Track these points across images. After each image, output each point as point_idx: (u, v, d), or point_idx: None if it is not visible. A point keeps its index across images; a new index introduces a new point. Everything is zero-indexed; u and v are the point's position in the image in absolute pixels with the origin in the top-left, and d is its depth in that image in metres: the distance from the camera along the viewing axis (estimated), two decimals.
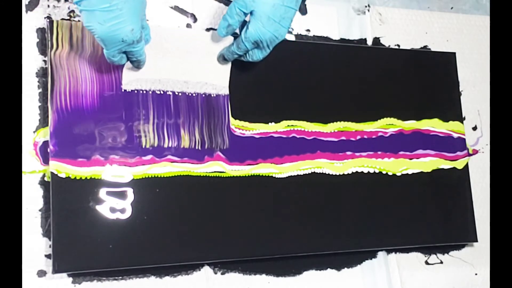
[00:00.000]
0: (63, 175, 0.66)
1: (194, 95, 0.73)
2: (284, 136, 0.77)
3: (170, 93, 0.72)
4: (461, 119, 0.89)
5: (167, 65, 0.72)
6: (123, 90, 0.70)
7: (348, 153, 0.80)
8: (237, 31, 0.72)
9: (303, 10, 0.84)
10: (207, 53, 0.74)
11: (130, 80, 0.70)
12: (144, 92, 0.70)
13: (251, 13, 0.68)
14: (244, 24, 0.70)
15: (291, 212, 0.75)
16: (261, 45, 0.70)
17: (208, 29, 0.78)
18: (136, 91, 0.70)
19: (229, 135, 0.74)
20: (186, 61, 0.73)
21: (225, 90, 0.75)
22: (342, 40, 0.86)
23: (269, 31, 0.68)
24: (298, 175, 0.77)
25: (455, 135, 0.87)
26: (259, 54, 0.72)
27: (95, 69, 0.69)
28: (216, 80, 0.74)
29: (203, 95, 0.73)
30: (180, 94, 0.72)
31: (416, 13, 0.91)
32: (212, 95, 0.74)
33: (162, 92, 0.71)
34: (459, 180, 0.86)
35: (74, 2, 0.59)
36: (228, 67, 0.75)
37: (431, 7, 0.94)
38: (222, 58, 0.74)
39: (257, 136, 0.76)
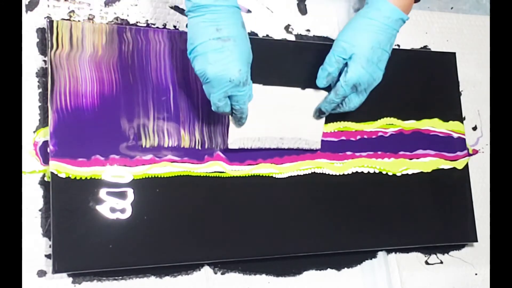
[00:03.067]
0: (63, 175, 0.66)
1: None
2: None
3: (171, 92, 0.72)
4: (461, 119, 0.89)
5: (265, 123, 0.73)
6: (229, 148, 0.72)
7: (348, 153, 0.80)
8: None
9: (303, 10, 0.84)
10: (302, 109, 0.75)
11: (235, 140, 0.72)
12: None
13: (349, 58, 0.71)
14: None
15: (291, 212, 0.75)
16: (359, 88, 0.72)
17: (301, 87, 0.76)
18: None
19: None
20: (283, 118, 0.74)
21: (317, 145, 0.77)
22: None
23: (368, 72, 0.71)
24: (298, 175, 0.77)
25: (455, 135, 0.87)
26: (356, 99, 0.74)
27: (95, 69, 0.69)
28: (309, 136, 0.76)
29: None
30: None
31: (416, 13, 0.91)
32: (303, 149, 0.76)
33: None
34: (459, 180, 0.86)
35: (188, 53, 0.64)
36: (322, 122, 0.76)
37: (431, 7, 0.94)
38: (318, 113, 0.75)
39: None
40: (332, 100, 0.73)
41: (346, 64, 0.72)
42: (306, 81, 0.79)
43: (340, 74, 0.73)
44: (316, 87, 0.74)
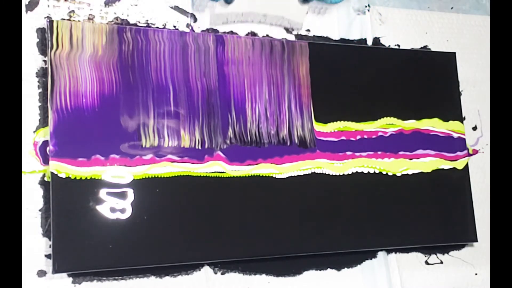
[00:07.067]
0: (63, 175, 0.66)
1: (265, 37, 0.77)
2: None
3: (171, 92, 0.72)
4: (461, 119, 0.89)
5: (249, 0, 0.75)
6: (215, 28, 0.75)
7: (348, 153, 0.80)
8: None
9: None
10: None
11: (218, 15, 0.75)
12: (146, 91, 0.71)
13: None
14: None
15: (291, 212, 0.75)
16: None
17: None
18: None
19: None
20: None
21: (299, 28, 0.79)
22: (342, 40, 0.86)
23: None
24: (298, 175, 0.77)
25: (455, 135, 0.87)
26: None
27: (95, 69, 0.69)
28: (293, 17, 0.78)
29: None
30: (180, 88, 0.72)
31: (416, 13, 0.91)
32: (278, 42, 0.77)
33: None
34: (459, 180, 0.86)
35: None
36: (305, 9, 0.78)
37: (431, 7, 0.94)
38: None
39: None
40: None
41: None
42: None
43: None
44: None
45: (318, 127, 0.79)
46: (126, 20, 0.74)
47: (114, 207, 0.67)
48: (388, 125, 0.83)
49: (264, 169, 0.75)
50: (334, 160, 0.79)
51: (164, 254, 0.69)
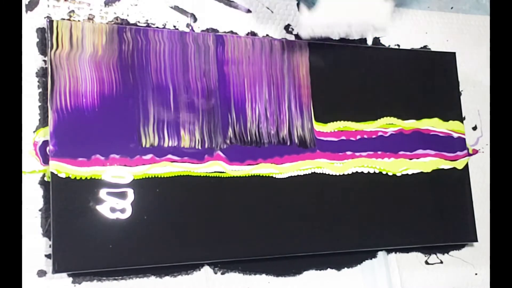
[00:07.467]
0: (63, 175, 0.66)
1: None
2: None
3: (171, 92, 0.72)
4: (461, 119, 0.89)
5: (333, 8, 0.74)
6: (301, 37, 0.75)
7: (348, 153, 0.80)
8: None
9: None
10: None
11: (304, 26, 0.74)
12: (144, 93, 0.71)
13: None
14: None
15: (291, 212, 0.75)
16: None
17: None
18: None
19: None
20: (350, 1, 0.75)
21: (384, 31, 0.79)
22: (342, 40, 0.85)
23: None
24: (298, 175, 0.77)
25: (455, 135, 0.87)
26: None
27: (95, 69, 0.69)
28: (377, 20, 0.76)
29: None
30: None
31: (416, 13, 0.91)
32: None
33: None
34: (459, 180, 0.86)
35: None
36: (390, 5, 0.76)
37: (431, 7, 0.94)
38: None
39: None
40: None
41: None
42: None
43: None
44: None
45: (318, 127, 0.79)
46: (126, 20, 0.74)
47: (114, 207, 0.67)
48: (388, 125, 0.83)
49: (264, 169, 0.75)
50: (334, 160, 0.79)
51: (164, 254, 0.69)
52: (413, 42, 0.90)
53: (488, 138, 0.92)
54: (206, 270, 0.72)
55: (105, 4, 0.73)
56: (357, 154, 0.80)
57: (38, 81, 0.69)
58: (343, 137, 0.80)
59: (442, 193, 0.84)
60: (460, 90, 0.91)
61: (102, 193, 0.67)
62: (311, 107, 0.79)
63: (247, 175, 0.74)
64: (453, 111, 0.88)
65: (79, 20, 0.71)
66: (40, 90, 0.69)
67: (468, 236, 0.85)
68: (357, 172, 0.80)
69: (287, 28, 0.82)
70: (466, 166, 0.87)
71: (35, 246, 0.66)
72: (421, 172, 0.84)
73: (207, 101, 0.74)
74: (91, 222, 0.66)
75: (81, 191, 0.66)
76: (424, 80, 0.87)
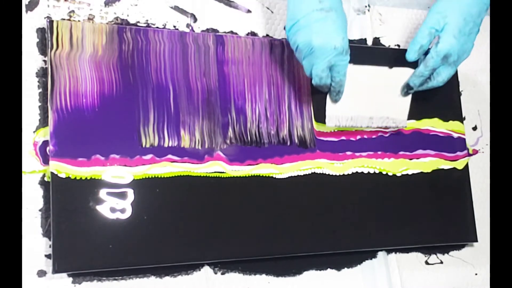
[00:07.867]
0: (63, 175, 0.66)
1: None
2: None
3: (171, 92, 0.72)
4: (461, 119, 0.89)
5: (356, 102, 0.75)
6: (326, 125, 0.76)
7: (348, 153, 0.80)
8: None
9: None
10: (389, 87, 0.77)
11: (331, 117, 0.76)
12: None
13: (441, 30, 0.73)
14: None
15: (291, 212, 0.75)
16: (449, 59, 0.73)
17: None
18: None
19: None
20: (371, 96, 0.76)
21: (404, 124, 0.80)
22: None
23: (460, 43, 0.72)
24: (298, 175, 0.77)
25: (455, 135, 0.87)
26: (445, 72, 0.75)
27: (95, 69, 0.69)
28: (397, 114, 0.78)
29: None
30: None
31: (416, 13, 0.91)
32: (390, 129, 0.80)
33: None
34: (459, 180, 0.86)
35: (288, 29, 0.67)
36: (408, 100, 0.78)
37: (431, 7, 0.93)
38: (406, 89, 0.77)
39: None
40: (421, 73, 0.74)
41: (436, 37, 0.74)
42: (306, 80, 0.79)
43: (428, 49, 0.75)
44: (402, 66, 0.77)
45: (318, 127, 0.79)
46: (126, 20, 0.74)
47: (114, 207, 0.67)
48: None
49: (264, 169, 0.75)
50: (334, 160, 0.79)
51: (164, 254, 0.69)
52: None
53: (488, 138, 0.92)
54: (206, 270, 0.72)
55: (105, 4, 0.74)
56: (357, 154, 0.80)
57: (38, 81, 0.69)
58: (343, 137, 0.80)
59: (442, 193, 0.84)
60: (460, 90, 0.91)
61: (102, 193, 0.67)
62: (311, 107, 0.79)
63: (247, 175, 0.74)
64: (453, 111, 0.88)
65: (79, 20, 0.71)
66: (40, 90, 0.69)
67: (468, 236, 0.85)
68: (357, 172, 0.80)
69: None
70: (466, 166, 0.87)
71: (35, 246, 0.66)
72: (421, 172, 0.84)
73: (207, 101, 0.74)
74: (91, 222, 0.66)
75: (81, 191, 0.66)
76: None
